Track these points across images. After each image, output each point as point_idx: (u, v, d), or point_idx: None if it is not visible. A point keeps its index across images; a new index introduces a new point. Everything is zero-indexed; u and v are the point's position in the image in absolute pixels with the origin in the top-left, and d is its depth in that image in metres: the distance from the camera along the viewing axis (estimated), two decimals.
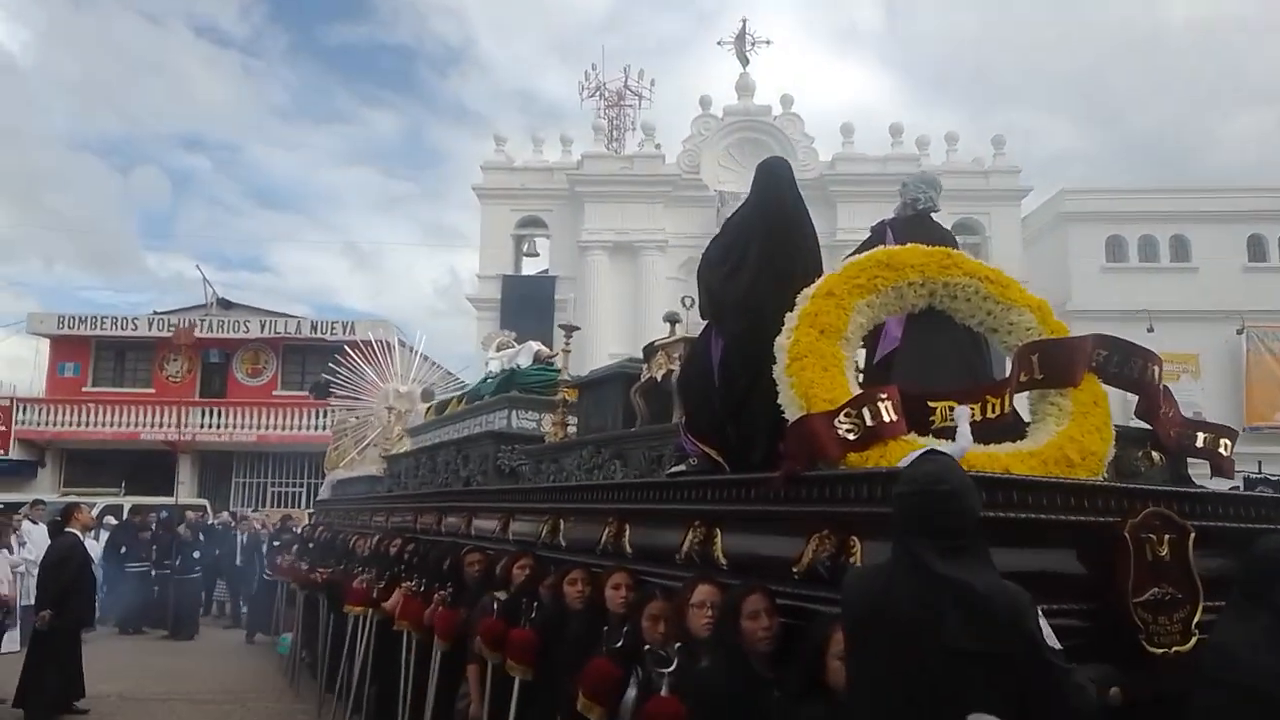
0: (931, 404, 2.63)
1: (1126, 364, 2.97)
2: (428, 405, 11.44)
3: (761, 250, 3.32)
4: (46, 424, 23.88)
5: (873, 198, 20.18)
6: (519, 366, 8.18)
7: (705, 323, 3.58)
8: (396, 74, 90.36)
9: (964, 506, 1.98)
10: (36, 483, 23.34)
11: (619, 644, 3.36)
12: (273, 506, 22.64)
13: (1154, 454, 3.19)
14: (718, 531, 3.04)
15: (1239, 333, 21.50)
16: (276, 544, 13.30)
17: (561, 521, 4.45)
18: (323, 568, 8.49)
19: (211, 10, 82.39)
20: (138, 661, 10.69)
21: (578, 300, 23.47)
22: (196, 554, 14.31)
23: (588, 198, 23.94)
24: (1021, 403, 2.92)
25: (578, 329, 6.90)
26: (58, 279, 64.15)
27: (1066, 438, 2.67)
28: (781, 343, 2.86)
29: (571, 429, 6.02)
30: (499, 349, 9.56)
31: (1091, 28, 70.47)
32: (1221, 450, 3.23)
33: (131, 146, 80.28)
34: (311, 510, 17.50)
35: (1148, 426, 3.14)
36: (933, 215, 4.18)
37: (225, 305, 26.65)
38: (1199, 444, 3.15)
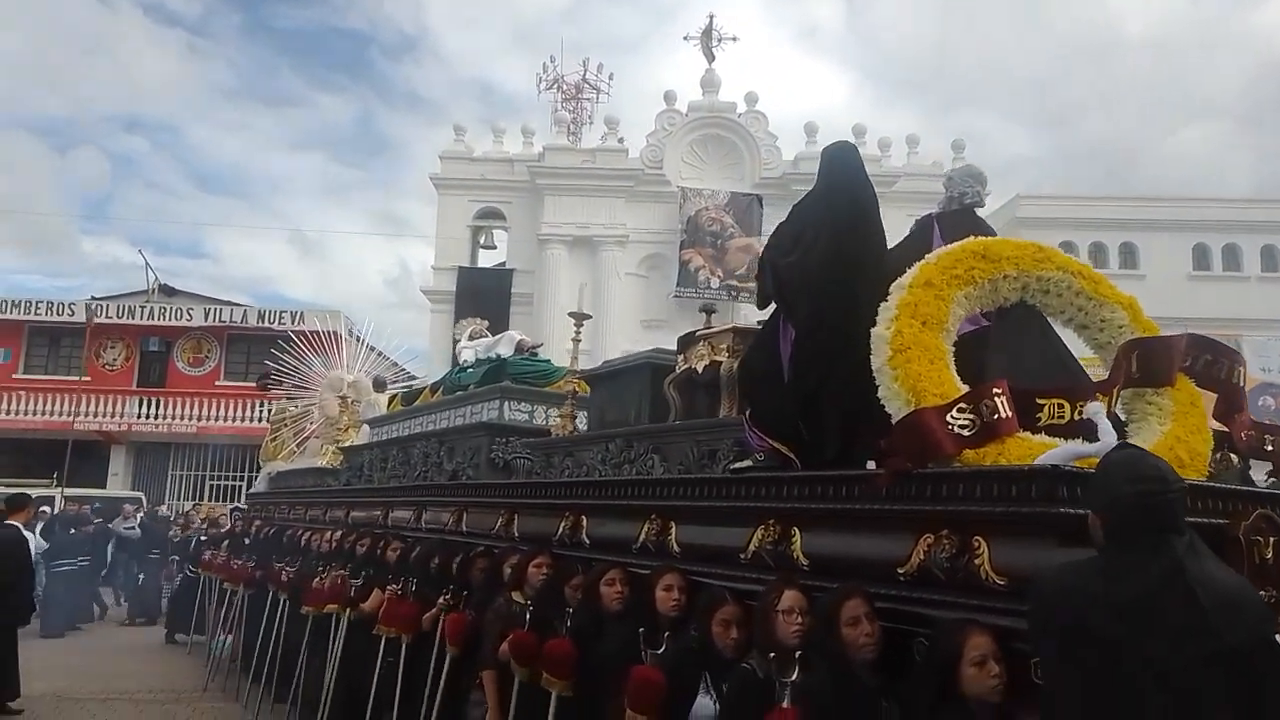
0: (1040, 400, 2.49)
1: (1215, 364, 2.89)
2: (391, 395, 11.06)
3: (832, 237, 3.17)
4: None
5: None
6: (499, 356, 7.91)
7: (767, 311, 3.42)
8: (348, 58, 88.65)
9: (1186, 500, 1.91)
10: None
11: (662, 650, 3.16)
12: (212, 500, 21.81)
13: (1232, 456, 3.11)
14: (796, 531, 2.86)
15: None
16: (203, 539, 12.66)
17: (585, 518, 4.20)
18: (281, 566, 8.01)
19: None
20: (69, 661, 10.17)
21: (536, 294, 23.16)
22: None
23: (548, 190, 23.65)
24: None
25: (589, 317, 6.66)
26: None
27: (1174, 438, 2.59)
28: (881, 334, 2.72)
29: (580, 423, 5.78)
30: (472, 338, 9.24)
31: (1048, 35, 72.33)
32: None
33: (70, 126, 77.26)
34: (234, 506, 16.90)
35: (1223, 428, 3.06)
36: (976, 210, 4.06)
37: (168, 292, 25.68)
38: (1268, 446, 3.09)
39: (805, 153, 23.43)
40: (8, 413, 22.64)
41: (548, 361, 7.92)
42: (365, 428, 10.79)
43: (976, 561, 2.22)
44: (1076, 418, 2.51)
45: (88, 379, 23.83)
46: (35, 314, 23.79)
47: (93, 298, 25.45)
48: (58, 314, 23.81)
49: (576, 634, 3.46)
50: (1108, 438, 2.22)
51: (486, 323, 10.27)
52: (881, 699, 2.34)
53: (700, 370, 4.36)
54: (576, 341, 6.34)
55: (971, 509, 2.29)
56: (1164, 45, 68.91)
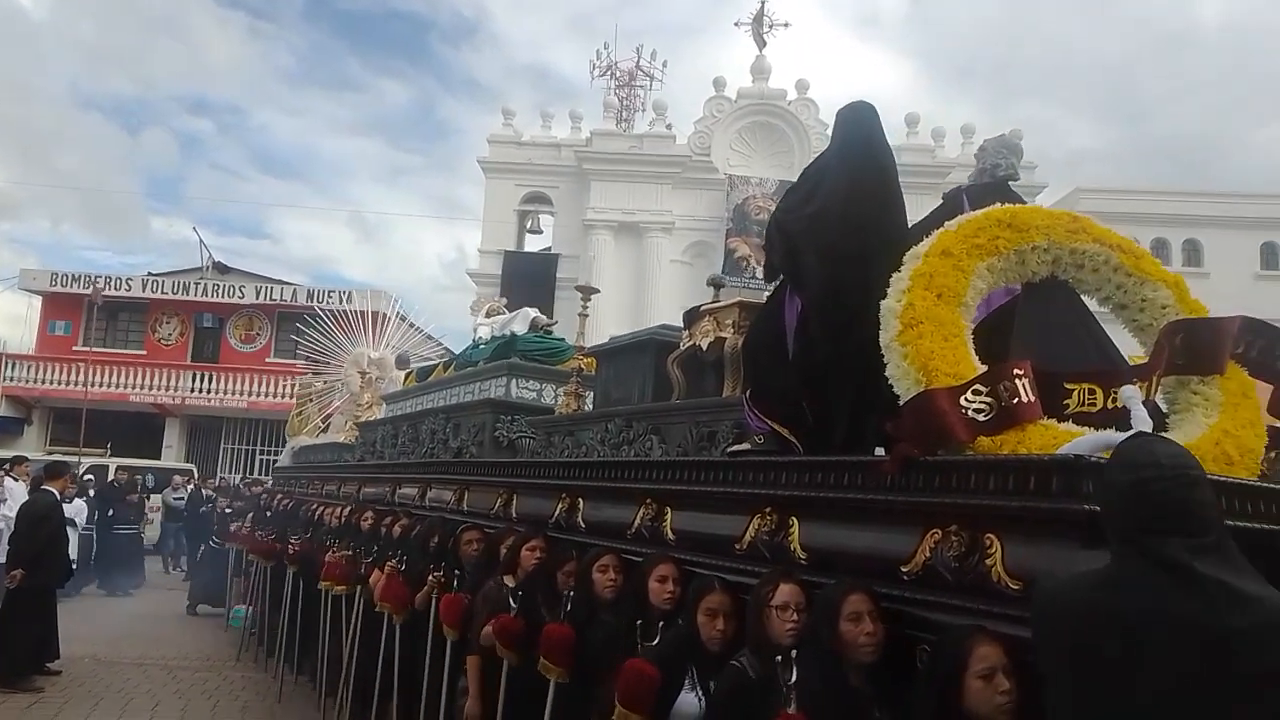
0: (1069, 385, 2.26)
1: (1271, 352, 2.61)
2: (406, 372, 11.05)
3: (846, 198, 2.94)
4: (34, 381, 23.43)
5: None
6: (514, 334, 7.82)
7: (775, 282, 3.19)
8: (408, 43, 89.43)
9: (1212, 496, 1.63)
10: (23, 440, 22.90)
11: (656, 641, 3.00)
12: (262, 474, 22.24)
13: None
14: (793, 520, 2.66)
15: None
16: (228, 511, 12.84)
17: (582, 501, 4.04)
18: (292, 539, 8.06)
19: None
20: (115, 625, 10.43)
21: (580, 279, 23.06)
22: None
23: (595, 175, 23.53)
24: None
25: (596, 291, 6.51)
26: (62, 239, 63.33)
27: (1221, 431, 2.32)
28: (891, 306, 2.48)
29: (587, 402, 5.63)
30: (489, 315, 9.16)
31: (1119, 24, 69.72)
32: None
33: (140, 107, 79.41)
34: (246, 479, 17.09)
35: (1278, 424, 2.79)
36: (1010, 184, 3.81)
37: (221, 270, 26.16)
38: None
39: None
40: (67, 383, 23.24)
41: (560, 339, 7.77)
42: (385, 404, 10.85)
43: (988, 562, 2.00)
44: (1110, 406, 2.28)
45: (144, 353, 24.47)
46: (96, 287, 24.41)
47: (149, 273, 26.07)
48: (117, 289, 24.40)
49: (569, 621, 3.30)
50: (1143, 427, 1.98)
51: (504, 300, 10.18)
52: (875, 707, 2.14)
53: (705, 347, 4.14)
54: (583, 316, 6.19)
55: (983, 503, 2.06)
56: (1243, 33, 65.92)
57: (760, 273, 22.08)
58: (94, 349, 23.98)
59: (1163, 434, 2.09)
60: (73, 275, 24.65)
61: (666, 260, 23.16)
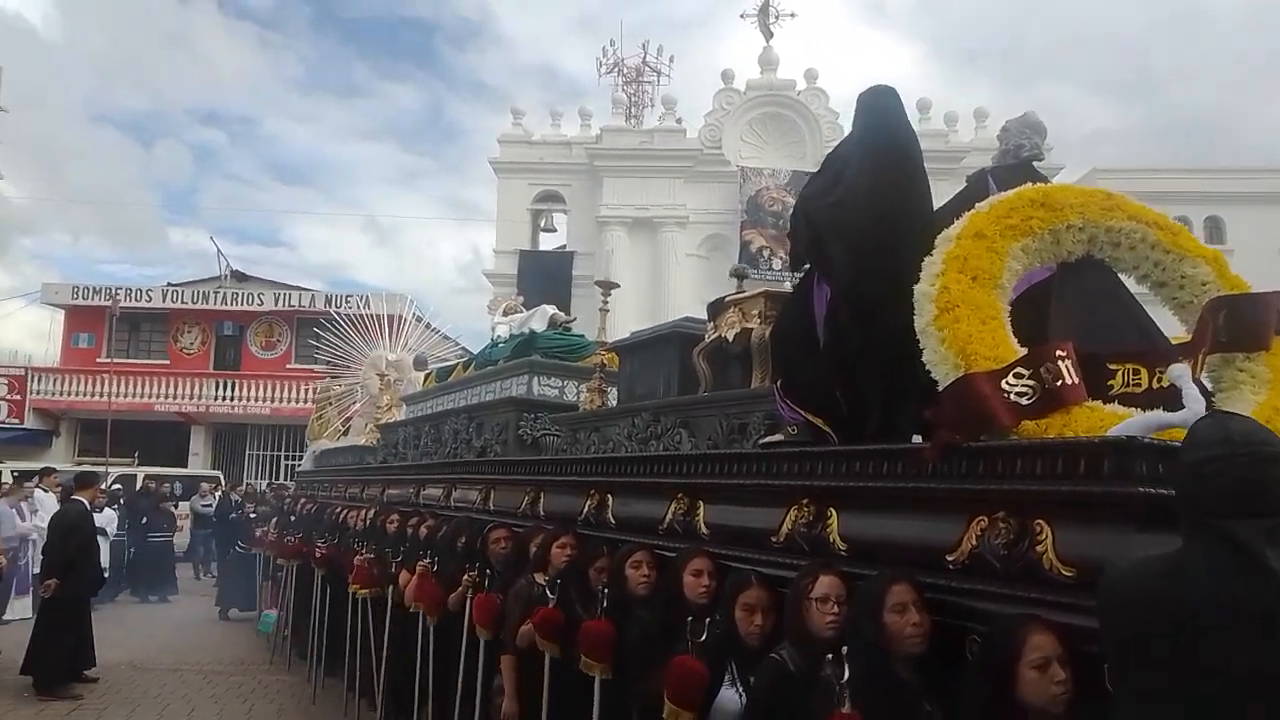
0: (1113, 365, 2.23)
1: None
2: (425, 373, 11.08)
3: (872, 183, 2.90)
4: (61, 394, 23.71)
5: None
6: (532, 331, 7.83)
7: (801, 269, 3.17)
8: (414, 47, 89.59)
9: None
10: (51, 452, 23.19)
11: (704, 638, 3.00)
12: (287, 479, 22.40)
13: None
14: (832, 511, 2.64)
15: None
16: (253, 515, 12.92)
17: (611, 497, 4.03)
18: (319, 543, 8.10)
19: None
20: (150, 632, 10.56)
21: (597, 276, 23.05)
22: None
23: (606, 172, 23.49)
24: None
25: (616, 286, 6.49)
26: (81, 253, 63.98)
27: (1272, 409, 2.27)
28: (926, 290, 2.44)
29: (610, 398, 5.62)
30: (506, 313, 9.17)
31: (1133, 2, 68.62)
32: None
33: (152, 120, 79.88)
34: (272, 484, 17.16)
35: None
36: (1034, 164, 3.76)
37: (240, 278, 26.36)
38: None
39: None
40: (92, 394, 23.51)
41: (580, 336, 7.78)
42: (405, 405, 10.89)
43: (1039, 548, 1.96)
44: (1154, 386, 2.24)
45: (167, 363, 24.70)
46: (115, 299, 24.69)
47: (169, 284, 26.30)
48: (136, 300, 24.63)
49: (606, 617, 3.30)
50: (1195, 405, 1.94)
51: (521, 298, 10.17)
52: (924, 699, 2.11)
53: (731, 339, 4.09)
54: (604, 311, 6.16)
55: (1032, 488, 2.02)
56: (1258, 4, 64.72)
57: (777, 264, 22.15)
58: (117, 360, 24.27)
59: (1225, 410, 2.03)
60: (93, 288, 24.90)
61: (682, 254, 23.10)
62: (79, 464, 19.57)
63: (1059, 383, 2.13)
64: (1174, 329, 2.92)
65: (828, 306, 2.95)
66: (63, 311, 25.41)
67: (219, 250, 26.76)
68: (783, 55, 24.15)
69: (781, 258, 22.47)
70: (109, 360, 24.29)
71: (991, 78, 71.46)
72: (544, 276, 22.93)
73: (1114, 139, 66.64)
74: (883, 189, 2.90)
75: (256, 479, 23.46)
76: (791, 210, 3.30)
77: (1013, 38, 73.36)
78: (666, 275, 22.51)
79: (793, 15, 24.24)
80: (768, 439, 3.30)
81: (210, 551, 16.38)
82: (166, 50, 77.90)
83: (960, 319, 2.32)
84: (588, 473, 4.33)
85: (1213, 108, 68.03)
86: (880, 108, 3.12)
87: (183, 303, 24.85)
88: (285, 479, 22.08)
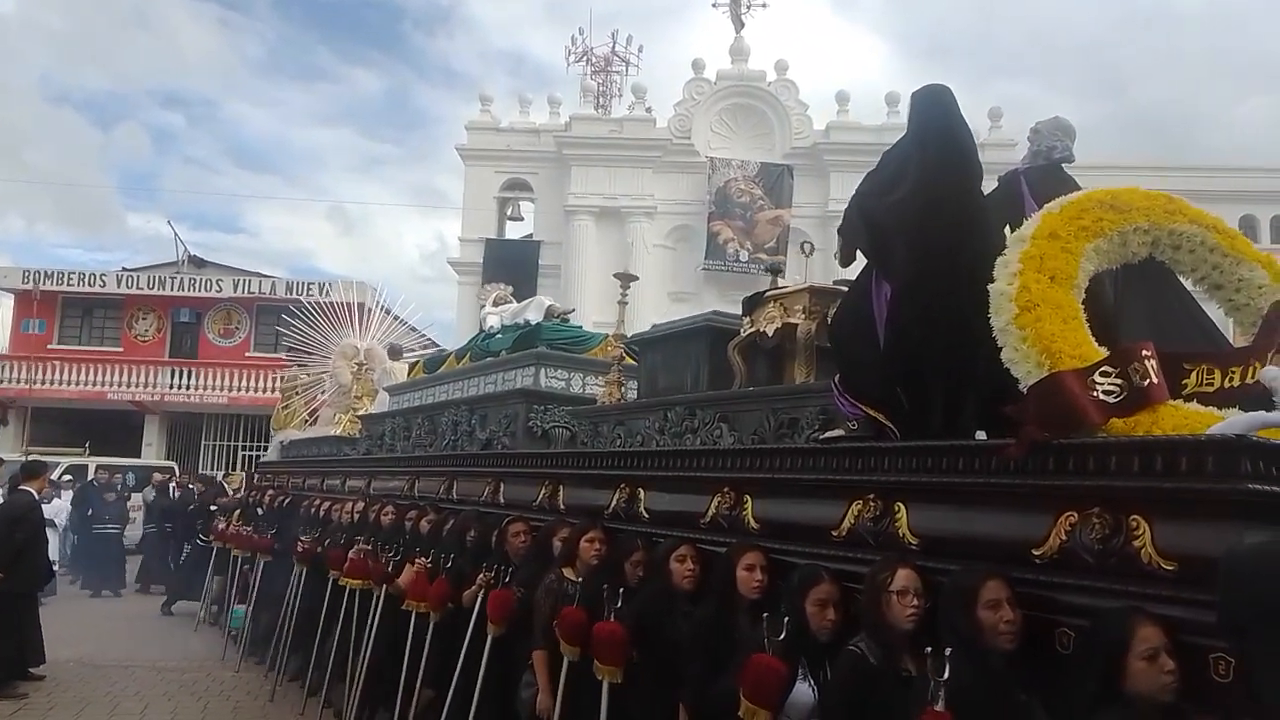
0: (1187, 365, 2.26)
1: None
2: (413, 363, 10.90)
3: (931, 186, 2.91)
4: (9, 381, 22.92)
5: (867, 167, 19.81)
6: (529, 322, 7.73)
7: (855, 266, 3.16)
8: (380, 31, 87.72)
9: None
10: None
11: (781, 636, 2.95)
12: (244, 470, 21.94)
13: None
14: (900, 506, 2.64)
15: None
16: (213, 508, 12.58)
17: (642, 490, 3.99)
18: (301, 538, 7.84)
19: None
20: (99, 627, 10.21)
21: (562, 266, 22.95)
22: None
23: (575, 161, 23.34)
24: None
25: (635, 279, 6.42)
26: (36, 237, 61.88)
27: None
28: (1003, 289, 2.46)
29: (630, 391, 5.57)
30: (496, 304, 9.06)
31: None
32: None
33: (112, 101, 77.59)
34: (224, 474, 16.71)
35: None
36: (1064, 166, 3.81)
37: (198, 264, 25.68)
38: None
39: (837, 122, 22.95)
40: (43, 383, 22.79)
41: (580, 327, 7.74)
42: (383, 395, 10.68)
43: (1136, 543, 1.98)
44: (1226, 385, 2.28)
45: (120, 350, 24.01)
46: (68, 285, 23.92)
47: (123, 269, 25.56)
48: (89, 285, 23.90)
49: (640, 613, 3.26)
50: None
51: (511, 288, 10.03)
52: (1020, 693, 2.13)
53: (770, 334, 4.09)
54: (622, 304, 6.11)
55: (1130, 485, 2.05)
56: (1226, 4, 66.14)
57: (744, 255, 22.17)
58: (70, 346, 23.55)
59: None
60: (45, 272, 24.07)
61: (649, 244, 23.05)
62: (28, 454, 18.93)
63: (1146, 382, 2.17)
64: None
65: (888, 305, 2.96)
66: (12, 296, 24.55)
67: (176, 235, 26.08)
68: (754, 46, 24.21)
69: (748, 249, 22.59)
70: (60, 347, 23.56)
71: (958, 73, 72.29)
72: (510, 265, 22.70)
73: (1079, 135, 67.76)
74: (944, 188, 2.91)
75: (212, 470, 22.94)
76: (848, 208, 3.28)
77: (978, 34, 74.33)
78: (634, 265, 22.39)
79: (764, 5, 24.33)
80: (828, 434, 3.30)
81: (167, 546, 15.88)
82: (127, 29, 75.64)
83: (1042, 318, 2.36)
84: (618, 466, 4.29)
85: (1175, 106, 69.70)
86: (937, 106, 3.13)
87: (138, 288, 24.14)
88: (241, 470, 21.61)
